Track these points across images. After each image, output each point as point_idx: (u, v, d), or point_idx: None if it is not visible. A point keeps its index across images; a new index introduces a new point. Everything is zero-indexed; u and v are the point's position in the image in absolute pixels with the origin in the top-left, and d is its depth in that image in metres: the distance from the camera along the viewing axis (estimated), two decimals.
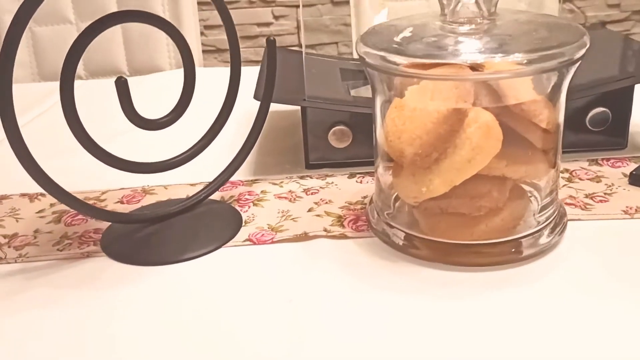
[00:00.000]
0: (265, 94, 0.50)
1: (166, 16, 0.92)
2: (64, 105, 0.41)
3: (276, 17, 1.53)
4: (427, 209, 0.41)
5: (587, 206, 0.46)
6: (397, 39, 0.40)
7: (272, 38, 0.49)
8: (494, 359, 0.32)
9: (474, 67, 0.38)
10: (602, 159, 0.53)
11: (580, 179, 0.50)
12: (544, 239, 0.41)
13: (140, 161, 0.46)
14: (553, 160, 0.41)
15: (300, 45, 0.97)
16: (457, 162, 0.38)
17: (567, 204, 0.47)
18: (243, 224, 0.47)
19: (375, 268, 0.41)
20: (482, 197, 0.40)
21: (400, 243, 0.42)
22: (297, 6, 1.50)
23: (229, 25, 0.48)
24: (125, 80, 0.42)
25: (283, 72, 0.55)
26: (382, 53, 0.38)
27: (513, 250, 0.41)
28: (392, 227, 0.42)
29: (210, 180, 0.49)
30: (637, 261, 0.40)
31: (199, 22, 1.55)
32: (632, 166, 0.51)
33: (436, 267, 0.40)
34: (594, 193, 0.48)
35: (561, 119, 0.41)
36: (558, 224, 0.42)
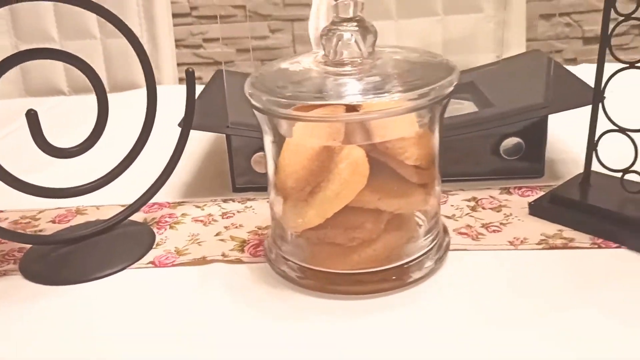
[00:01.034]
0: (185, 122, 0.53)
1: (143, 33, 0.96)
2: None
3: (272, 31, 1.56)
4: (308, 238, 0.43)
5: (479, 236, 0.48)
6: (280, 82, 0.42)
7: (190, 70, 0.52)
8: None
9: (350, 108, 0.40)
10: (515, 188, 0.55)
11: (483, 207, 0.52)
12: (425, 265, 0.43)
13: (56, 187, 0.49)
14: (431, 191, 0.43)
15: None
16: (328, 195, 0.40)
17: (461, 233, 0.48)
18: (154, 246, 0.50)
19: (261, 294, 0.43)
20: (356, 229, 0.42)
21: (287, 271, 0.44)
22: (293, 20, 1.53)
23: (139, 51, 0.51)
24: (35, 112, 0.45)
25: (232, 97, 0.58)
26: (265, 96, 0.40)
27: (394, 277, 0.43)
28: (282, 255, 0.45)
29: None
30: (510, 292, 0.41)
31: (197, 35, 1.60)
32: (540, 195, 0.52)
33: (319, 296, 0.42)
34: (490, 223, 0.49)
35: (436, 152, 0.43)
36: (438, 250, 0.44)
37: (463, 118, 0.57)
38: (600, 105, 0.48)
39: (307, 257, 0.43)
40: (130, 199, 0.52)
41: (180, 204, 0.57)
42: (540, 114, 0.54)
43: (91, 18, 0.97)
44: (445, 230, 0.47)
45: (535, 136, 0.55)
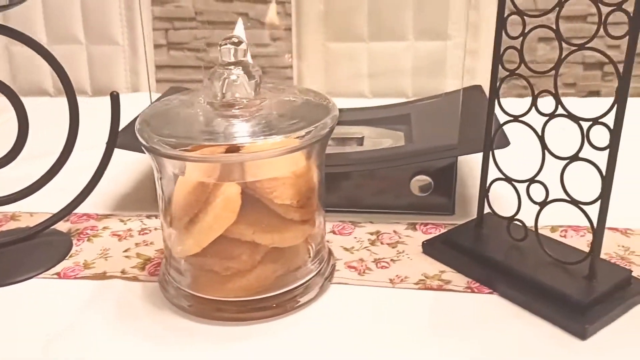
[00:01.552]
0: (108, 143, 0.56)
1: (124, 41, 1.00)
2: None
3: (273, 39, 1.59)
4: (191, 264, 0.46)
5: (366, 271, 0.50)
6: (167, 122, 0.45)
7: (115, 93, 0.55)
8: None
9: (232, 148, 0.42)
10: (421, 224, 0.57)
11: (382, 242, 0.54)
12: (305, 295, 0.46)
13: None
14: (309, 227, 0.46)
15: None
16: (203, 226, 0.43)
17: (350, 267, 0.50)
18: (67, 257, 0.53)
19: (143, 314, 0.46)
20: (232, 259, 0.44)
21: (173, 294, 0.47)
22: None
23: (57, 69, 0.54)
24: None
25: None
26: (152, 136, 0.43)
27: (274, 305, 0.45)
28: (170, 278, 0.47)
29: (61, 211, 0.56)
30: (373, 329, 0.43)
31: (201, 39, 1.64)
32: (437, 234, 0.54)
33: (199, 321, 0.45)
34: (382, 259, 0.51)
35: (315, 190, 0.45)
36: (321, 282, 0.47)
37: (375, 153, 0.59)
38: (490, 153, 0.49)
39: (190, 282, 0.46)
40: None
41: (107, 216, 0.60)
42: (446, 156, 0.56)
43: (79, 28, 1.01)
44: (329, 263, 0.50)
45: (445, 175, 0.57)
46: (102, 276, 0.50)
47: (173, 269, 0.47)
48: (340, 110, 0.75)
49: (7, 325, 0.45)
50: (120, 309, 0.46)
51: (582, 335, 0.41)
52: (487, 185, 0.50)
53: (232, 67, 0.44)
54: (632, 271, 0.46)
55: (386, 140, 0.65)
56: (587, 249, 0.52)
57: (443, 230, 0.55)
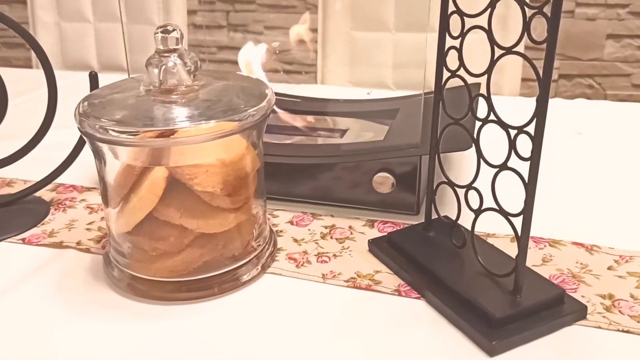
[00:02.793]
0: None
1: (160, 19, 1.04)
2: None
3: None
4: (125, 242, 0.48)
5: (304, 264, 0.50)
6: (105, 108, 0.46)
7: (93, 73, 0.58)
8: None
9: (166, 133, 0.43)
10: (380, 222, 0.56)
11: (332, 237, 0.54)
12: (239, 279, 0.47)
13: None
14: (241, 215, 0.47)
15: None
16: (130, 207, 0.45)
17: (291, 258, 0.51)
18: (38, 224, 0.57)
19: (82, 285, 0.48)
20: (160, 240, 0.46)
21: (111, 269, 0.49)
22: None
23: (41, 56, 0.57)
24: None
25: None
26: (83, 119, 0.44)
27: (198, 288, 0.46)
28: (111, 255, 0.49)
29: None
30: (292, 321, 0.43)
31: (259, 22, 1.66)
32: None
33: (127, 296, 0.47)
34: (325, 253, 0.51)
35: (249, 179, 0.46)
36: (258, 269, 0.48)
37: (341, 147, 0.59)
38: (435, 156, 0.48)
39: (124, 260, 0.48)
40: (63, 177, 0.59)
41: (90, 189, 0.63)
42: (405, 154, 0.54)
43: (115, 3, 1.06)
44: (268, 252, 0.50)
45: (409, 174, 0.56)
46: (59, 245, 0.53)
47: (112, 246, 0.49)
48: (336, 101, 0.75)
49: None
50: (63, 278, 0.49)
51: (490, 351, 0.40)
52: (434, 187, 0.49)
53: (168, 54, 0.45)
54: (564, 290, 0.43)
55: (368, 133, 0.64)
56: (540, 262, 0.50)
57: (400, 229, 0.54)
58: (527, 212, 0.40)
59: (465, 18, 0.42)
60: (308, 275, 0.48)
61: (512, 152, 0.40)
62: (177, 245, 0.46)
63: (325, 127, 0.67)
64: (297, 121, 0.67)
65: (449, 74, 0.45)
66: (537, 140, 0.38)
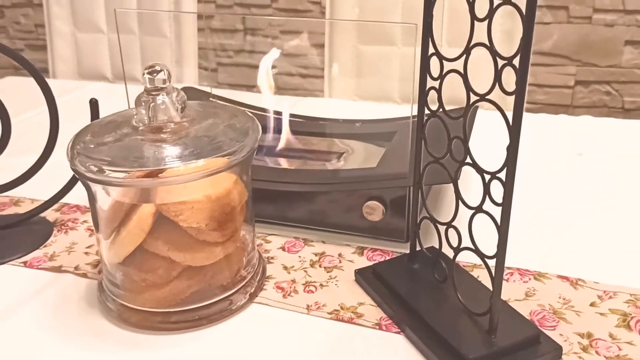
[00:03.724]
0: None
1: (171, 35, 1.06)
2: None
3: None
4: (117, 272, 0.50)
5: (291, 294, 0.51)
6: (97, 147, 0.47)
7: (93, 100, 0.60)
8: None
9: (153, 173, 0.45)
10: (370, 249, 0.57)
11: (320, 265, 0.55)
12: (225, 309, 0.48)
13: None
14: (228, 247, 0.48)
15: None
16: (120, 240, 0.47)
17: (279, 287, 0.52)
18: (41, 247, 0.59)
19: (76, 311, 0.50)
20: (149, 272, 0.47)
21: (104, 296, 0.51)
22: None
23: (40, 82, 0.59)
24: None
25: None
26: (73, 157, 0.46)
27: (197, 317, 0.48)
28: (104, 283, 0.51)
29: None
30: (272, 353, 0.45)
31: (276, 27, 1.67)
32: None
33: (117, 325, 0.48)
34: (312, 282, 0.52)
35: (235, 213, 0.47)
36: (245, 299, 0.49)
37: (331, 174, 0.60)
38: (419, 191, 0.49)
39: (116, 288, 0.50)
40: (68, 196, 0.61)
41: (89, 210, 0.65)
42: (398, 185, 0.55)
43: (132, 15, 1.08)
44: (257, 281, 0.51)
45: (398, 202, 0.56)
46: (58, 269, 0.55)
47: (105, 275, 0.51)
48: (335, 121, 0.76)
49: None
50: (59, 303, 0.51)
51: None
52: (418, 221, 0.50)
53: (156, 92, 0.46)
54: (540, 330, 0.44)
55: (363, 157, 0.65)
56: (523, 296, 0.50)
57: (389, 258, 0.55)
58: (499, 255, 0.41)
59: (444, 61, 0.43)
60: (293, 306, 0.50)
61: (487, 196, 0.41)
62: (165, 277, 0.48)
63: (322, 150, 0.68)
64: (294, 143, 0.68)
65: (429, 113, 0.45)
66: (507, 187, 0.39)
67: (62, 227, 0.62)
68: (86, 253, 0.58)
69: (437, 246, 0.48)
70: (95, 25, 1.10)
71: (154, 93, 0.46)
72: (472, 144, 0.43)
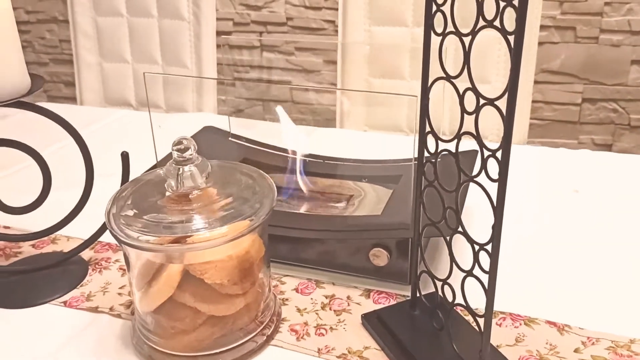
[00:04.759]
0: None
1: (192, 66, 1.11)
2: None
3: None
4: (149, 319, 0.56)
5: (304, 337, 0.57)
6: (129, 209, 0.53)
7: (124, 153, 0.66)
8: None
9: (178, 240, 0.51)
10: (375, 292, 0.62)
11: (330, 308, 0.60)
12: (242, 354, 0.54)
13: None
14: (247, 297, 0.54)
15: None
16: (151, 293, 0.53)
17: (293, 330, 0.58)
18: (78, 286, 0.65)
19: (113, 352, 0.56)
20: (177, 320, 0.53)
21: (136, 340, 0.57)
22: None
23: (84, 151, 0.65)
24: None
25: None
26: (111, 221, 0.52)
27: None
28: (137, 327, 0.57)
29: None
30: None
31: (291, 43, 1.72)
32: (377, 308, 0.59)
33: None
34: (323, 325, 0.58)
35: (254, 268, 0.53)
36: (263, 342, 0.55)
37: (340, 220, 0.65)
38: (418, 247, 0.54)
39: (147, 333, 0.56)
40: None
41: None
42: (400, 236, 0.60)
43: (156, 47, 1.14)
44: (274, 324, 0.57)
45: (402, 247, 0.62)
46: (95, 310, 0.61)
47: (137, 319, 0.57)
48: (344, 160, 0.81)
49: (3, 345, 0.57)
50: (97, 344, 0.57)
51: None
52: (417, 273, 0.55)
53: (184, 164, 0.52)
54: None
55: (372, 200, 0.71)
56: (513, 341, 0.55)
57: (392, 302, 0.60)
58: (487, 315, 0.46)
59: (439, 141, 0.48)
60: (306, 349, 0.55)
61: (476, 264, 0.46)
62: (191, 325, 0.53)
63: (334, 192, 0.74)
64: (307, 185, 0.74)
65: (426, 183, 0.51)
66: (493, 258, 0.44)
67: (97, 266, 0.68)
68: (119, 294, 0.64)
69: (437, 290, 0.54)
70: (120, 55, 1.16)
71: (181, 164, 0.52)
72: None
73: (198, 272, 0.51)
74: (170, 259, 0.52)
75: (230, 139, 0.84)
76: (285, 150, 0.80)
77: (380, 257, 0.62)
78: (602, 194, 0.80)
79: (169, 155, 0.54)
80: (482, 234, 0.46)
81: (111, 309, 0.62)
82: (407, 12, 0.96)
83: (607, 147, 1.51)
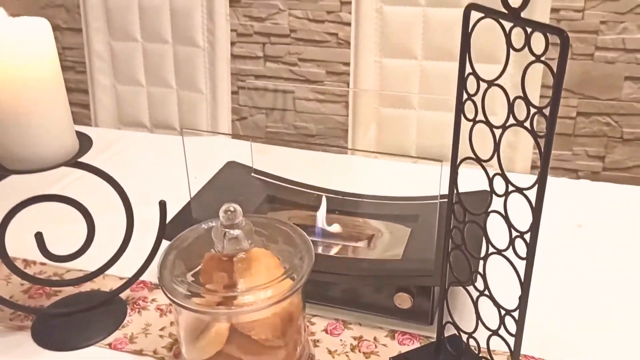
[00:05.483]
0: (156, 242, 0.71)
1: (207, 91, 1.15)
2: None
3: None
4: None
5: None
6: (179, 271, 0.58)
7: (162, 202, 0.70)
8: None
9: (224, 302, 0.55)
10: (400, 333, 0.67)
11: (359, 350, 0.65)
12: None
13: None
14: (288, 349, 0.58)
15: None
16: (199, 347, 0.57)
17: None
18: (120, 327, 0.69)
19: None
20: None
21: None
22: None
23: (122, 196, 0.69)
24: (41, 234, 0.66)
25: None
26: (163, 280, 0.56)
27: None
28: None
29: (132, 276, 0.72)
30: None
31: (294, 54, 1.75)
32: (416, 345, 0.64)
33: None
34: None
35: (296, 323, 0.58)
36: None
37: (365, 264, 0.70)
38: (445, 296, 0.59)
39: None
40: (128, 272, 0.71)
41: (157, 287, 0.76)
42: (424, 283, 0.65)
43: (171, 73, 1.17)
44: None
45: (424, 292, 0.67)
46: (139, 353, 0.66)
47: None
48: (361, 196, 0.86)
49: None
50: None
51: None
52: (443, 324, 0.60)
53: (230, 228, 0.56)
54: None
55: (390, 241, 0.75)
56: None
57: (416, 343, 0.65)
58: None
59: (466, 213, 0.53)
60: None
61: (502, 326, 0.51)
62: None
63: (354, 233, 0.78)
64: (328, 225, 0.78)
65: (453, 247, 0.55)
66: (519, 323, 0.49)
67: (135, 305, 0.73)
68: (160, 336, 0.68)
69: (464, 323, 0.59)
70: (134, 78, 1.19)
71: (228, 228, 0.56)
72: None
73: (245, 329, 0.56)
74: (217, 318, 0.56)
75: (253, 174, 0.88)
76: (307, 186, 0.84)
77: (404, 302, 0.67)
78: (605, 227, 0.85)
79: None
80: (503, 283, 0.50)
81: (154, 351, 0.66)
82: (416, 46, 1.00)
83: (600, 159, 1.57)
